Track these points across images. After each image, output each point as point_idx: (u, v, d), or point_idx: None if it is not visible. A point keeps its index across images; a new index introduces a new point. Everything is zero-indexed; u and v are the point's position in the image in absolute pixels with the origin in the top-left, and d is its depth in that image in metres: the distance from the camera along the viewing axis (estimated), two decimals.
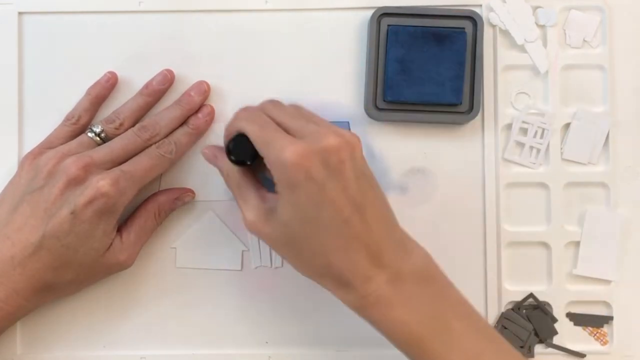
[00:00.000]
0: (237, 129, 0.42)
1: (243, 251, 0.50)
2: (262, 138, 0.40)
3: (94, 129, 0.47)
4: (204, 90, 0.49)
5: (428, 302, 0.40)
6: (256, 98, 0.50)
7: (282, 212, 0.39)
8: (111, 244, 0.45)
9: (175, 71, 0.50)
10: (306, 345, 0.50)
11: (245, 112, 0.43)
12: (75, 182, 0.43)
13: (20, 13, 0.50)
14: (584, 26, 0.50)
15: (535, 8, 0.50)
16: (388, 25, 0.49)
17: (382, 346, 0.49)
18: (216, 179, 0.47)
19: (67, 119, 0.48)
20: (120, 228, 0.47)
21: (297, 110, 0.43)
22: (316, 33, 0.50)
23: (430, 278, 0.41)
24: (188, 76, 0.50)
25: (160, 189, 0.49)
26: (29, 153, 0.47)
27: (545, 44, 0.50)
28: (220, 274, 0.50)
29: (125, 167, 0.45)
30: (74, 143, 0.46)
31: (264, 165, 0.40)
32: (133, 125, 0.47)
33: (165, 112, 0.48)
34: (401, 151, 0.50)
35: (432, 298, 0.40)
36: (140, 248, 0.48)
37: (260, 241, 0.50)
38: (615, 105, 0.50)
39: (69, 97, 0.49)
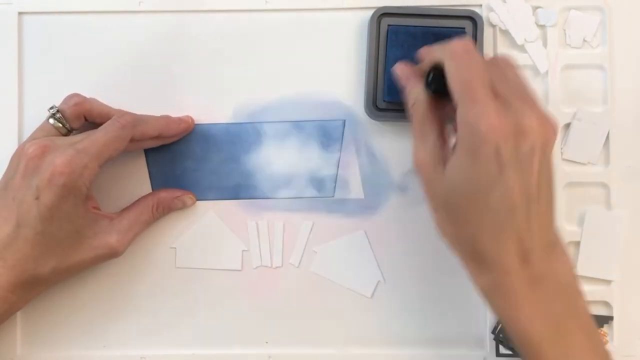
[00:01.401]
0: (443, 63, 0.39)
1: (243, 251, 0.50)
2: (465, 91, 0.37)
3: (51, 110, 0.46)
4: (187, 125, 0.49)
5: (557, 311, 0.39)
6: (256, 98, 0.50)
7: (453, 174, 0.38)
8: (96, 225, 0.45)
9: (175, 71, 0.50)
10: (306, 345, 0.50)
11: (456, 52, 0.39)
12: (34, 165, 0.43)
13: (20, 13, 0.50)
14: (584, 26, 0.50)
15: (535, 8, 0.50)
16: (388, 25, 0.49)
17: (382, 346, 0.49)
18: (215, 181, 0.46)
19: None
20: (115, 214, 0.47)
21: (512, 73, 0.40)
22: (316, 33, 0.50)
23: (566, 288, 0.39)
24: (188, 76, 0.50)
25: (161, 189, 0.49)
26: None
27: (545, 44, 0.50)
28: (220, 274, 0.50)
29: (79, 144, 0.44)
30: (38, 131, 0.46)
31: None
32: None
33: (149, 116, 0.47)
34: (401, 151, 0.50)
35: (562, 308, 0.39)
36: (132, 237, 0.47)
37: (261, 241, 0.50)
38: (615, 105, 0.50)
39: None
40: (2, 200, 0.44)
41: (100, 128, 0.45)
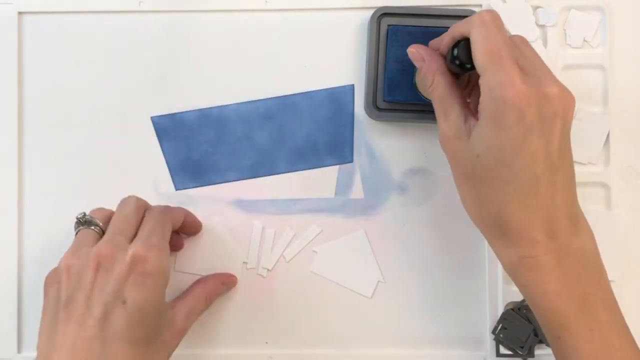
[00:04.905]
0: (467, 34, 0.39)
1: (243, 252, 0.50)
2: (492, 58, 0.38)
3: (92, 221, 0.43)
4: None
5: (583, 285, 0.38)
6: (256, 98, 0.50)
7: (478, 143, 0.38)
8: (164, 318, 0.42)
9: (175, 71, 0.50)
10: (306, 345, 0.50)
11: (485, 20, 0.39)
12: (104, 268, 0.39)
13: (20, 13, 0.50)
14: (584, 26, 0.50)
15: (535, 8, 0.50)
16: (388, 25, 0.49)
17: (382, 346, 0.49)
18: (232, 161, 0.46)
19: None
20: (171, 303, 0.45)
21: (530, 50, 0.41)
22: (316, 33, 0.50)
23: (592, 262, 0.39)
24: (188, 76, 0.50)
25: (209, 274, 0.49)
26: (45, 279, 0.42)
27: (545, 44, 0.50)
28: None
29: (141, 234, 0.41)
30: (80, 239, 0.42)
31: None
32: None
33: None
34: (401, 151, 0.50)
35: (588, 282, 0.38)
36: (186, 331, 0.44)
37: (261, 241, 0.50)
38: (615, 105, 0.50)
39: (68, 97, 0.49)
40: (76, 321, 0.38)
41: (147, 217, 0.43)
